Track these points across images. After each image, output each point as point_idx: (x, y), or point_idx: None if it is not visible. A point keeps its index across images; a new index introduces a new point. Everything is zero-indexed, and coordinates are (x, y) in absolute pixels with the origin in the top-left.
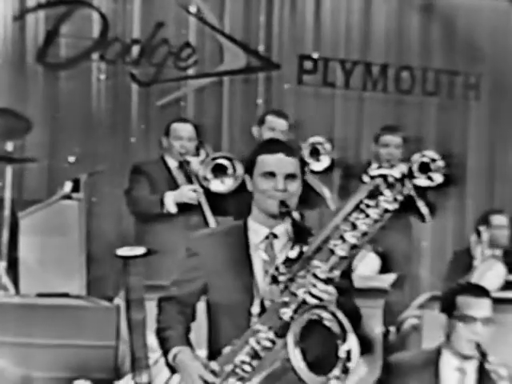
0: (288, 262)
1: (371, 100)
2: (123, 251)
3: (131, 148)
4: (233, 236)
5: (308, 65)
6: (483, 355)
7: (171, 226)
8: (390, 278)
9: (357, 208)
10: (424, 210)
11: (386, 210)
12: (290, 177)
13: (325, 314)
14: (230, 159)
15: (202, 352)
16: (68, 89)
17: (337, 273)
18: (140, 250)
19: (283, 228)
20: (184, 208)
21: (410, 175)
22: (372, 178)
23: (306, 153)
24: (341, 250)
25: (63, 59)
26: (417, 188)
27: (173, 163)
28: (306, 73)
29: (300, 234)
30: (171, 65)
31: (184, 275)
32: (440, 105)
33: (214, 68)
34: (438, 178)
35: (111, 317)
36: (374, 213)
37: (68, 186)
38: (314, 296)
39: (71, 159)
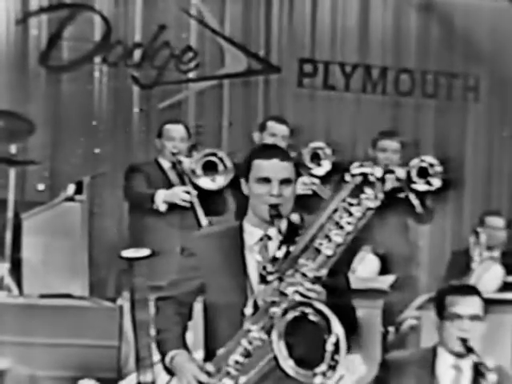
0: (275, 261)
1: (371, 102)
2: (128, 253)
3: (133, 150)
4: (229, 237)
5: (308, 68)
6: (469, 350)
7: (166, 226)
8: (389, 279)
9: (340, 207)
10: (414, 201)
11: (369, 208)
12: (284, 182)
13: (308, 310)
14: (220, 157)
15: (199, 353)
16: (70, 91)
17: (324, 271)
18: (145, 252)
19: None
20: (178, 208)
21: (408, 180)
22: (353, 176)
23: (306, 158)
24: (327, 249)
25: (66, 62)
26: (411, 189)
27: (166, 164)
28: (305, 76)
29: (292, 235)
30: (173, 68)
31: (181, 275)
32: (439, 107)
33: (215, 71)
34: (437, 183)
35: (114, 317)
36: (356, 211)
37: (71, 188)
38: (302, 295)
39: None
